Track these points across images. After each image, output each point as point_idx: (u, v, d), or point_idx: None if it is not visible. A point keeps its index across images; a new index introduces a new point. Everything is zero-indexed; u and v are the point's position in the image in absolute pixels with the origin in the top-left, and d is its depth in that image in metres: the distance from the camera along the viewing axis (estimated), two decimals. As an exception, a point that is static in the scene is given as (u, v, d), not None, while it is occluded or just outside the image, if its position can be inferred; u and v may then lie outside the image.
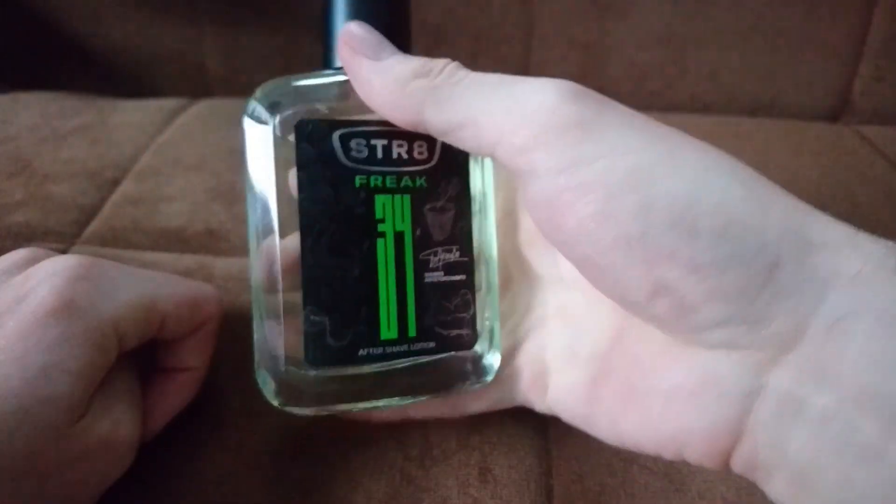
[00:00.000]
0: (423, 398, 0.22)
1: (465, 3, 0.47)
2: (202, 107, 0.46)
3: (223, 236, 0.34)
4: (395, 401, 0.22)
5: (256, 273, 0.21)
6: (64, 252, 0.33)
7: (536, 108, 0.18)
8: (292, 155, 0.20)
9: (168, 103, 0.46)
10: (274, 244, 0.20)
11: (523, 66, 0.49)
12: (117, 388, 0.21)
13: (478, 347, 0.23)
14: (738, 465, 0.18)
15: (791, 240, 0.16)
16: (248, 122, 0.20)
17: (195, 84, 0.50)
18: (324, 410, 0.21)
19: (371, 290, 0.21)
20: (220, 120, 0.45)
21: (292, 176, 0.20)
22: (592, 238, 0.17)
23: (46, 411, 0.18)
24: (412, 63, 0.20)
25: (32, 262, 0.22)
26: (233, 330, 0.28)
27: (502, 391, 0.24)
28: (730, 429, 0.17)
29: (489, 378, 0.23)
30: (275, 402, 0.21)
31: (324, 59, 0.22)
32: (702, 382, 0.17)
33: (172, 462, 0.24)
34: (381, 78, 0.20)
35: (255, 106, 0.20)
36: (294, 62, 0.49)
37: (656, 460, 0.24)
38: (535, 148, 0.18)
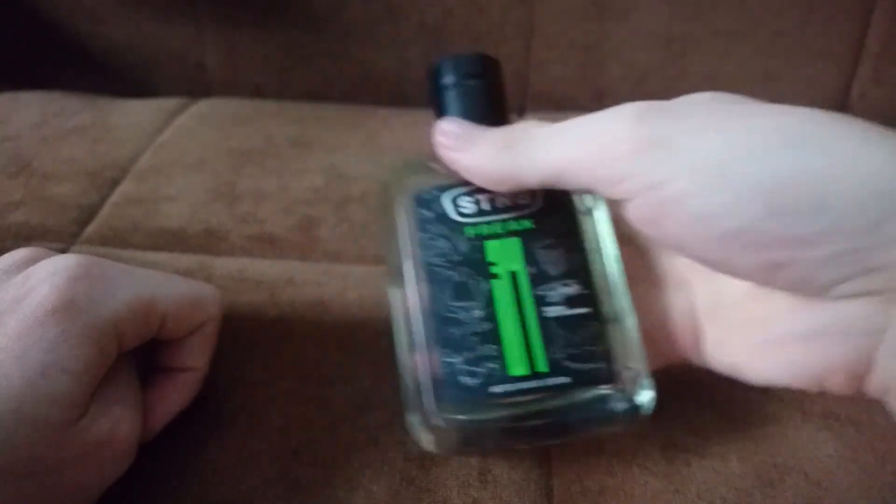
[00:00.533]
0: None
1: (466, 4, 0.47)
2: (202, 106, 0.46)
3: (223, 236, 0.34)
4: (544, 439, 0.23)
5: (398, 324, 0.23)
6: (64, 251, 0.33)
7: (610, 140, 0.19)
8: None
9: (168, 103, 0.46)
10: (412, 299, 0.23)
11: (523, 66, 0.49)
12: (117, 388, 0.21)
13: (619, 385, 0.22)
14: (871, 390, 0.19)
15: (889, 194, 0.17)
16: (384, 200, 0.24)
17: (195, 83, 0.50)
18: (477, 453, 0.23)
19: (493, 328, 0.22)
20: (221, 119, 0.45)
21: (415, 237, 0.23)
22: (699, 240, 0.19)
23: (46, 410, 0.18)
24: (496, 139, 0.22)
25: (32, 261, 0.22)
26: (233, 330, 0.28)
27: (658, 350, 0.23)
28: (863, 362, 0.19)
29: (640, 418, 0.22)
30: (428, 448, 0.22)
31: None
32: (834, 326, 0.19)
33: (172, 461, 0.24)
34: (474, 163, 0.22)
35: (388, 188, 0.24)
36: (294, 62, 0.49)
37: (656, 461, 0.24)
38: (623, 177, 0.19)
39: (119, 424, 0.21)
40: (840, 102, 0.49)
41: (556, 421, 0.22)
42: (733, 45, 0.47)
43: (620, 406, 0.22)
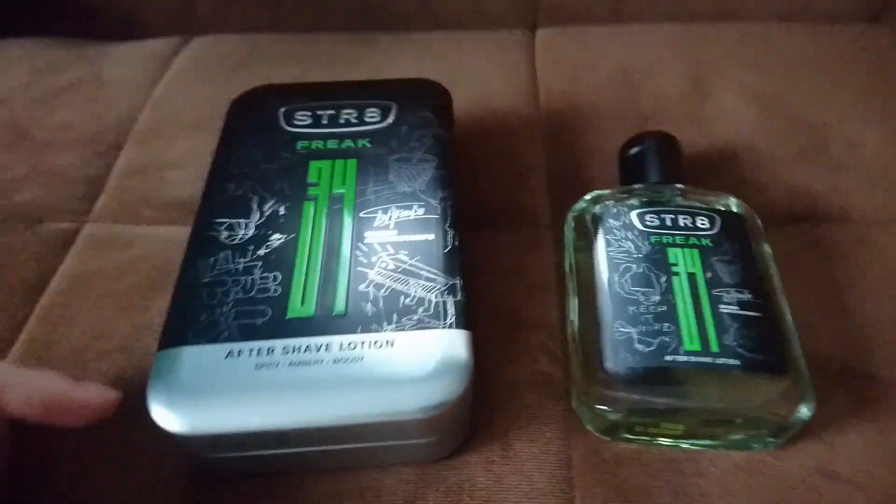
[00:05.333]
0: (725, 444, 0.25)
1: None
2: (195, 48, 0.44)
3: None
4: (702, 433, 0.24)
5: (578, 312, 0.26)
6: (77, 232, 0.33)
7: None
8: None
9: (159, 47, 0.44)
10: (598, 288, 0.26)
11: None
12: None
13: (787, 387, 0.24)
14: None
15: None
16: (574, 220, 0.29)
17: (184, 19, 0.47)
18: (643, 443, 0.25)
19: (670, 312, 0.25)
20: (215, 64, 0.42)
21: (603, 241, 0.27)
22: None
23: None
24: None
25: None
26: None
27: None
28: None
29: (807, 418, 0.23)
30: (595, 432, 0.25)
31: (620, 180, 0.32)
32: None
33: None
34: None
35: (577, 213, 0.29)
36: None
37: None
38: None
39: None
40: (882, -2, 0.44)
41: (717, 410, 0.23)
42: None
43: (786, 408, 0.23)
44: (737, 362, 0.23)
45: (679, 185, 0.29)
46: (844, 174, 0.34)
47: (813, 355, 0.26)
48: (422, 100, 0.32)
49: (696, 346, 0.24)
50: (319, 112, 0.31)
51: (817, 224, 0.32)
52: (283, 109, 0.31)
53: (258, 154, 0.29)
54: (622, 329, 0.24)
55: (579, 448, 0.25)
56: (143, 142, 0.37)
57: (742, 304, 0.25)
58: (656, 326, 0.24)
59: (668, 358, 0.24)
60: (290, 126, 0.30)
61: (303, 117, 0.31)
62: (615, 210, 0.28)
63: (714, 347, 0.24)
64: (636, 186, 0.30)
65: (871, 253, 0.31)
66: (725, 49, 0.42)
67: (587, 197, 0.30)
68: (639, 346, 0.24)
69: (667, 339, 0.24)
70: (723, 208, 0.28)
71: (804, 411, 0.23)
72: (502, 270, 0.31)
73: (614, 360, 0.24)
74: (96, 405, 0.22)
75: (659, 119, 0.37)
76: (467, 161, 0.34)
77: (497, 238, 0.32)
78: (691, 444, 0.25)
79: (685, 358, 0.23)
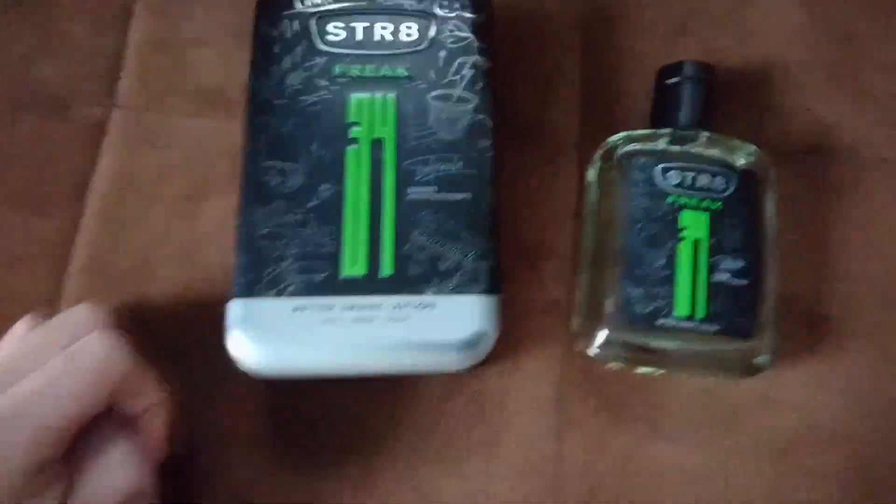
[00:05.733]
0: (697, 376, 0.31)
1: None
2: None
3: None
4: (677, 372, 0.30)
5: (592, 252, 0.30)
6: (107, 120, 0.33)
7: None
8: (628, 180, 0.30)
9: None
10: (613, 239, 0.29)
11: None
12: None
13: (754, 344, 0.29)
14: None
15: None
16: (601, 161, 0.31)
17: None
18: (628, 368, 0.30)
19: (671, 277, 0.28)
20: None
21: (625, 191, 0.29)
22: None
23: None
24: None
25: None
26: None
27: None
28: None
29: (757, 372, 0.29)
30: (593, 355, 0.29)
31: (651, 120, 0.32)
32: None
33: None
34: None
35: (603, 153, 0.31)
36: None
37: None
38: None
39: None
40: None
41: (696, 362, 0.29)
42: None
43: (744, 360, 0.29)
44: (716, 327, 0.28)
45: (705, 133, 0.30)
46: (866, 103, 0.35)
47: (786, 295, 0.31)
48: (461, 10, 0.30)
49: (686, 312, 0.28)
50: (353, 24, 0.30)
51: (825, 158, 0.34)
52: (315, 18, 0.29)
53: (296, 80, 0.29)
54: (627, 289, 0.28)
55: (575, 365, 0.31)
56: (154, 10, 0.35)
57: (734, 273, 0.28)
58: (655, 290, 0.28)
59: (659, 322, 0.28)
60: (324, 43, 0.29)
61: (336, 31, 0.29)
62: (642, 161, 0.30)
63: (700, 314, 0.28)
64: (665, 131, 0.31)
65: (865, 194, 0.34)
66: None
67: (616, 138, 0.31)
68: (637, 308, 0.28)
69: (662, 302, 0.28)
70: (744, 160, 0.30)
71: (761, 362, 0.29)
72: (525, 193, 0.33)
73: (614, 318, 0.28)
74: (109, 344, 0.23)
75: (700, 19, 0.36)
76: (498, 58, 0.34)
77: (522, 157, 0.34)
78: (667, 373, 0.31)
79: (674, 323, 0.28)
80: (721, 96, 0.33)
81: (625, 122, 0.34)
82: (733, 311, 0.28)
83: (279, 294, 0.26)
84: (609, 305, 0.28)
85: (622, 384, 0.31)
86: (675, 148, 0.30)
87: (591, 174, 0.31)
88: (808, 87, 0.35)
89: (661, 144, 0.30)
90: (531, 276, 0.32)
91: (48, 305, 0.31)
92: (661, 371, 0.30)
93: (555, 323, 0.32)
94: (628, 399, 0.31)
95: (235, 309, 0.26)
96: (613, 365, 0.30)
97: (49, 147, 0.33)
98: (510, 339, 0.31)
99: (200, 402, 0.29)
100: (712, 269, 0.28)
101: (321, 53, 0.29)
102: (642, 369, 0.30)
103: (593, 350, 0.29)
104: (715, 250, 0.29)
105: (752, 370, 0.29)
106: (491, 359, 0.30)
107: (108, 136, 0.33)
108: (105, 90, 0.34)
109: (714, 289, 0.28)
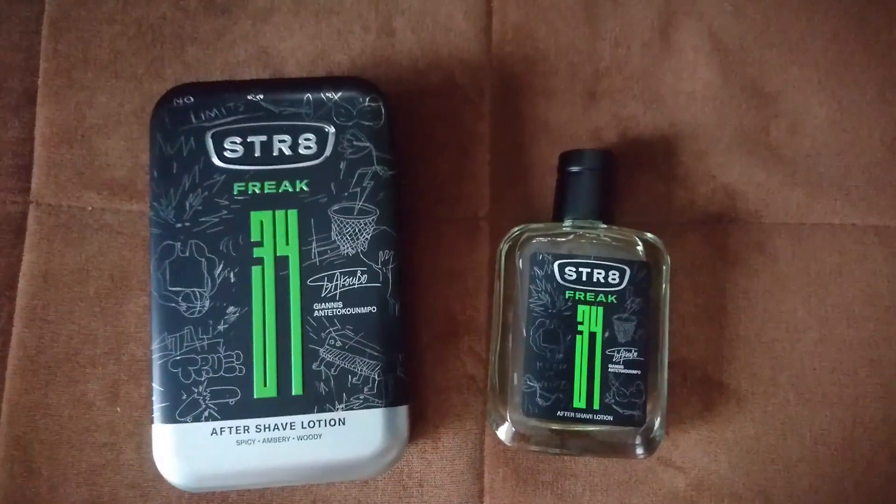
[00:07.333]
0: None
1: None
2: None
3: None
4: (582, 455, 0.32)
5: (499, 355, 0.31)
6: (24, 216, 0.33)
7: None
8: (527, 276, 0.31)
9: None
10: (517, 334, 0.31)
11: None
12: None
13: (647, 428, 0.31)
14: None
15: None
16: (505, 256, 0.31)
17: None
18: (537, 450, 0.32)
19: (569, 371, 0.30)
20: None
21: (526, 286, 0.31)
22: None
23: None
24: None
25: None
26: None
27: None
28: None
29: (653, 452, 0.31)
30: (508, 443, 0.31)
31: (554, 215, 0.32)
32: None
33: None
34: None
35: (508, 248, 0.31)
36: None
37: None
38: None
39: None
40: None
41: (596, 444, 0.31)
42: None
43: (639, 441, 0.31)
44: (609, 418, 0.30)
45: (602, 226, 0.31)
46: (774, 165, 0.35)
47: (683, 362, 0.33)
48: (358, 119, 0.30)
49: (582, 404, 0.30)
50: (251, 139, 0.29)
51: (727, 225, 0.35)
52: (210, 133, 0.29)
53: (196, 201, 0.29)
54: (529, 383, 0.30)
55: (490, 438, 0.33)
56: (57, 96, 0.34)
57: (627, 363, 0.30)
58: (555, 383, 0.30)
59: (560, 413, 0.30)
60: (221, 160, 0.29)
61: (233, 147, 0.29)
62: (541, 258, 0.31)
63: (596, 405, 0.30)
64: (566, 225, 0.32)
65: (765, 261, 0.35)
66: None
67: (518, 231, 0.32)
68: (539, 400, 0.30)
69: (562, 395, 0.30)
70: (640, 250, 0.31)
71: (656, 437, 0.31)
72: (438, 269, 0.34)
73: (517, 409, 0.30)
74: None
75: (610, 83, 0.35)
76: (408, 129, 0.34)
77: (435, 230, 0.34)
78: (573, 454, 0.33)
79: (572, 414, 0.30)
80: (629, 167, 0.34)
81: (533, 193, 0.34)
82: (626, 402, 0.30)
83: (196, 420, 0.28)
84: (514, 395, 0.30)
85: (532, 454, 0.33)
86: (573, 241, 0.31)
87: (500, 263, 0.32)
88: (715, 153, 0.35)
89: (560, 238, 0.31)
90: (447, 351, 0.34)
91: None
92: (570, 452, 0.32)
93: (470, 399, 0.34)
94: (536, 467, 0.33)
95: (159, 433, 0.28)
96: (520, 447, 0.33)
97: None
98: (428, 415, 0.33)
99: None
100: (606, 361, 0.30)
101: (219, 171, 0.29)
102: (550, 451, 0.32)
103: (501, 435, 0.31)
104: (609, 343, 0.30)
105: (649, 449, 0.31)
106: (413, 435, 0.33)
107: (29, 232, 0.34)
108: (19, 186, 0.34)
109: (609, 380, 0.30)
